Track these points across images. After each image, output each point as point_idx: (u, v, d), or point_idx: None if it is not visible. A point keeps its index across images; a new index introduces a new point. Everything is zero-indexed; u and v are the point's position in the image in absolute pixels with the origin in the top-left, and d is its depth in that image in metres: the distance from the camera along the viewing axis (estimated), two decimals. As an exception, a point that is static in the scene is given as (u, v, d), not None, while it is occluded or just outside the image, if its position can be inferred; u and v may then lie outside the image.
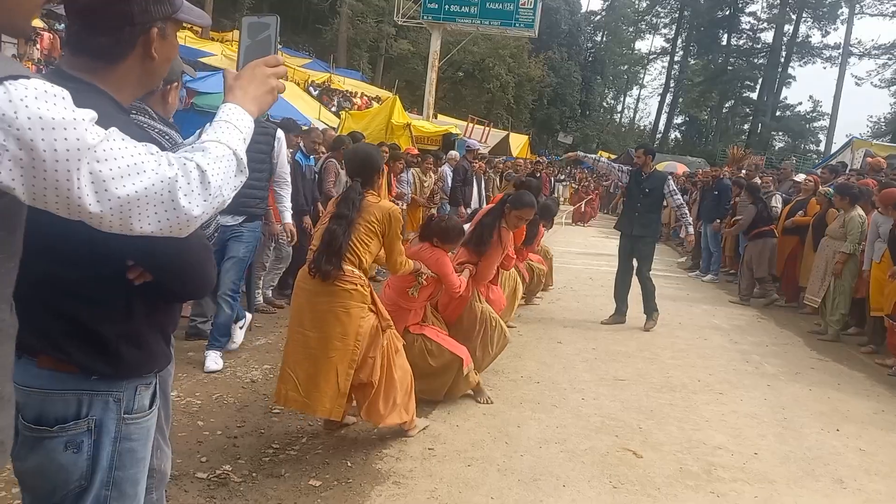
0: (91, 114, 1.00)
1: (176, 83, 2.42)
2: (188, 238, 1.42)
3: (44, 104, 0.93)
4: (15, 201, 0.99)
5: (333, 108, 19.07)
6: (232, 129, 1.23)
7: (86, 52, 1.27)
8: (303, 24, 35.66)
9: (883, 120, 44.63)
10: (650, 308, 6.92)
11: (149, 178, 1.05)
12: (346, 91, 24.13)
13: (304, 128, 7.01)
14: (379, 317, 3.36)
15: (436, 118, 22.32)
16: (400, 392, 3.40)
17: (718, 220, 10.50)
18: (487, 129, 21.84)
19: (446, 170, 9.96)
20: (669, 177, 7.02)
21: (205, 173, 1.12)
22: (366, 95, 24.50)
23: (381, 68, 36.39)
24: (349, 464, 3.29)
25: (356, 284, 3.23)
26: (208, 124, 1.27)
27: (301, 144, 6.29)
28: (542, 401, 4.41)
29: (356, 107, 20.74)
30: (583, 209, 20.04)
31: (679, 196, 6.94)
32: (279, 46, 1.47)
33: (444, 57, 25.41)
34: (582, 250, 13.49)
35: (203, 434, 3.46)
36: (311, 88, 21.06)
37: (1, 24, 1.02)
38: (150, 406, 1.49)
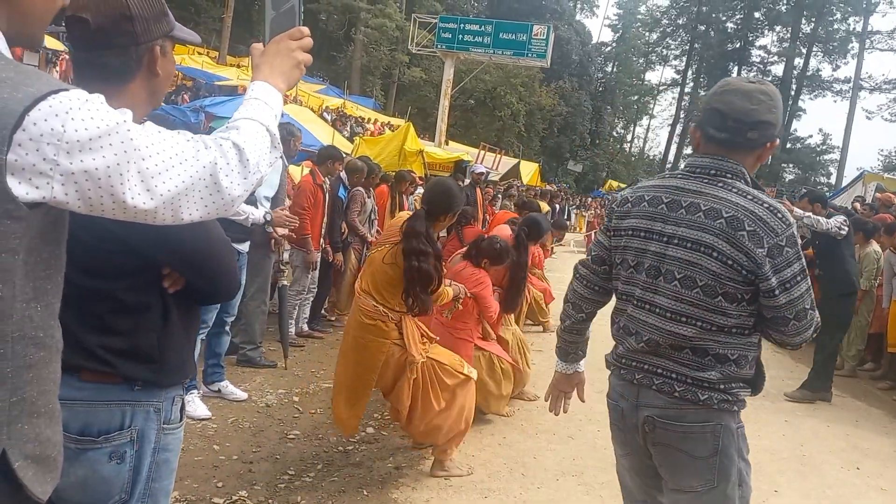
0: (129, 113, 1.02)
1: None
2: (216, 239, 1.45)
3: (87, 114, 0.94)
4: (62, 215, 1.00)
5: (346, 134, 19.29)
6: (262, 105, 1.23)
7: (97, 75, 1.30)
8: (317, 51, 36.17)
9: (894, 153, 44.60)
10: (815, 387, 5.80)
11: (192, 166, 1.05)
12: (359, 117, 24.41)
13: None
14: (409, 354, 3.24)
15: (447, 145, 22.49)
16: (444, 420, 3.33)
17: None
18: (499, 156, 21.95)
19: None
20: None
21: (242, 151, 1.12)
22: (379, 122, 24.78)
23: (393, 95, 36.84)
24: (365, 492, 3.26)
25: (376, 320, 3.21)
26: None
27: (343, 175, 6.20)
28: (558, 431, 4.37)
29: (369, 133, 20.96)
30: (593, 238, 20.02)
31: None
32: (302, 17, 1.43)
33: (456, 85, 25.74)
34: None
35: (219, 459, 3.44)
36: (325, 114, 21.32)
37: (15, 33, 1.02)
38: (181, 418, 1.51)
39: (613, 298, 2.04)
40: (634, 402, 1.86)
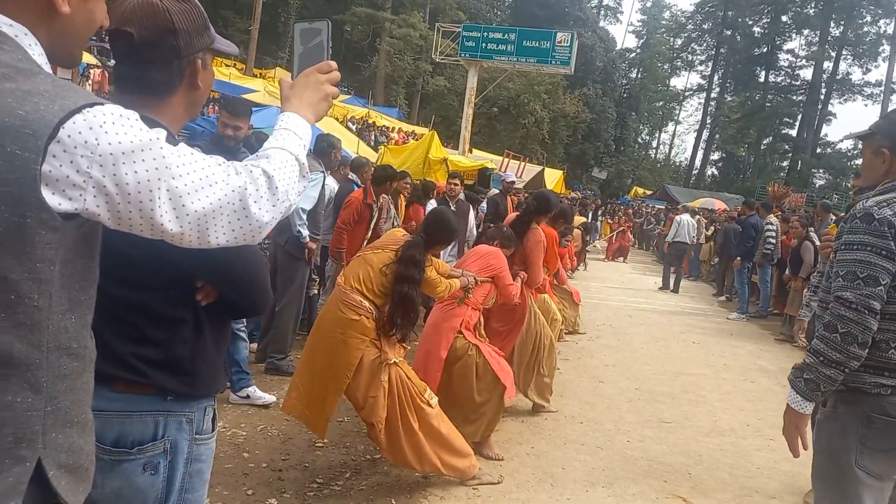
0: (163, 132, 1.03)
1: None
2: (250, 253, 1.45)
3: (121, 128, 0.95)
4: (95, 227, 1.02)
5: (372, 143, 19.44)
6: (292, 135, 1.24)
7: (139, 88, 1.31)
8: (342, 61, 36.45)
9: (927, 158, 43.55)
10: None
11: (221, 189, 1.06)
12: (384, 127, 24.56)
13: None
14: (382, 352, 3.21)
15: (471, 153, 22.52)
16: (429, 442, 3.24)
17: (739, 258, 10.53)
18: (523, 163, 21.92)
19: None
20: None
21: (272, 179, 1.13)
22: (402, 131, 24.91)
23: (417, 104, 37.02)
24: (394, 501, 3.25)
25: (360, 316, 3.18)
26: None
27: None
28: (587, 442, 4.32)
29: (394, 142, 21.09)
30: (614, 240, 19.83)
31: None
32: (331, 51, 1.46)
33: (480, 93, 25.77)
34: (618, 286, 13.33)
35: (248, 466, 3.46)
36: (349, 124, 21.49)
37: (57, 53, 1.04)
38: (213, 428, 1.51)
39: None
40: None
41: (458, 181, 7.60)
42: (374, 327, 3.20)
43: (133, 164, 0.95)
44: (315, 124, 1.39)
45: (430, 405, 3.26)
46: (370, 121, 24.11)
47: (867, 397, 1.94)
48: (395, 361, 3.22)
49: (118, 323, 1.35)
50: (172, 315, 1.39)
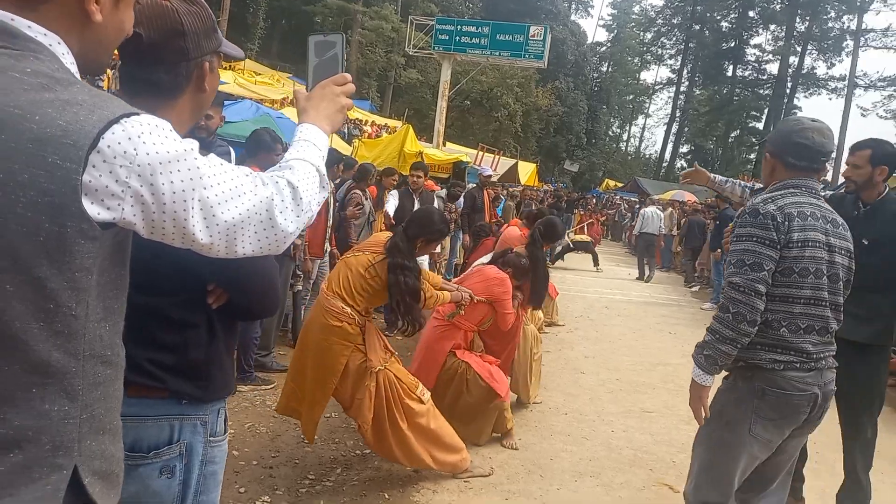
0: (195, 143, 1.03)
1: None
2: (262, 257, 1.46)
3: (158, 139, 0.95)
4: (128, 236, 1.02)
5: (344, 136, 19.28)
6: (311, 146, 1.26)
7: (146, 90, 1.30)
8: (313, 53, 36.18)
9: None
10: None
11: (249, 200, 1.06)
12: (356, 119, 24.39)
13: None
14: (367, 359, 3.22)
15: (445, 146, 22.51)
16: (418, 439, 3.26)
17: (719, 250, 10.73)
18: (497, 157, 21.98)
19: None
20: None
21: (296, 189, 1.14)
22: (375, 124, 24.77)
23: (389, 97, 36.82)
24: (386, 496, 3.27)
25: (342, 322, 3.18)
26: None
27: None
28: (572, 433, 4.38)
29: (367, 135, 20.96)
30: (584, 232, 20.06)
31: None
32: (346, 63, 1.47)
33: (453, 87, 25.72)
34: (593, 277, 13.49)
35: (239, 464, 3.45)
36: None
37: (87, 61, 1.03)
38: (225, 430, 1.52)
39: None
40: (822, 383, 2.22)
41: (421, 173, 7.41)
42: (357, 332, 3.20)
43: (170, 174, 0.96)
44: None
45: (421, 401, 3.29)
46: (343, 114, 23.91)
47: (763, 372, 2.20)
48: (380, 368, 3.22)
49: (132, 328, 1.34)
50: (186, 319, 1.39)
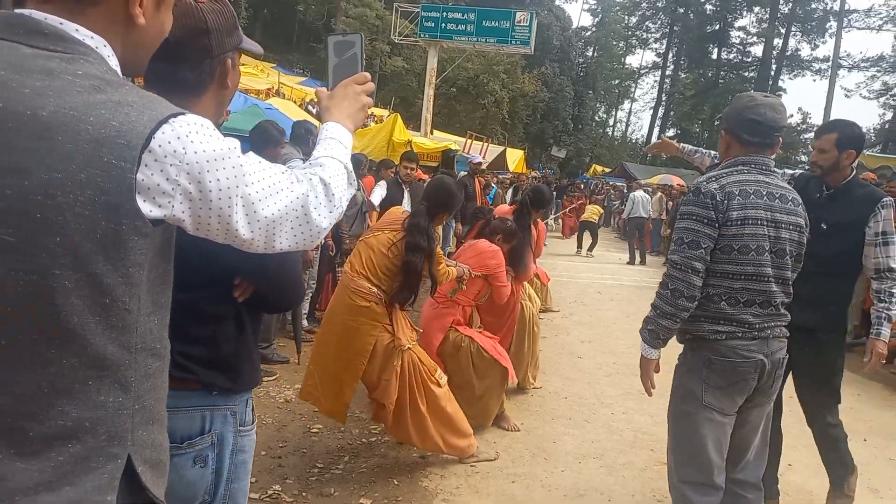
0: (237, 142, 1.06)
1: None
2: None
3: (204, 138, 0.98)
4: (173, 233, 1.05)
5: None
6: (337, 144, 1.29)
7: (171, 87, 1.31)
8: (296, 43, 35.91)
9: (872, 130, 45.17)
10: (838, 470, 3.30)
11: (287, 197, 1.09)
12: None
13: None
14: (396, 338, 3.25)
15: (432, 134, 22.46)
16: (434, 423, 3.31)
17: None
18: (486, 144, 21.98)
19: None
20: (890, 203, 3.00)
21: (328, 186, 1.17)
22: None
23: (375, 85, 36.60)
24: (395, 482, 3.32)
25: (370, 302, 3.22)
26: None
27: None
28: (574, 416, 4.45)
29: (354, 124, 20.83)
30: (568, 216, 20.18)
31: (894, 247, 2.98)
32: (364, 62, 1.50)
33: (439, 74, 25.60)
34: (585, 262, 13.59)
35: (247, 455, 3.48)
36: (309, 107, 21.18)
37: (128, 63, 1.06)
38: (253, 419, 1.55)
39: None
40: (768, 351, 2.30)
41: (413, 164, 7.21)
42: (384, 312, 3.23)
43: (216, 171, 0.98)
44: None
45: (439, 385, 3.33)
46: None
47: (707, 343, 2.28)
48: (409, 347, 3.26)
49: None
50: (215, 313, 1.42)
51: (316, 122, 14.85)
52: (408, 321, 3.41)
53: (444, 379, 3.41)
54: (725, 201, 2.21)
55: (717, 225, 2.21)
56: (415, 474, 3.41)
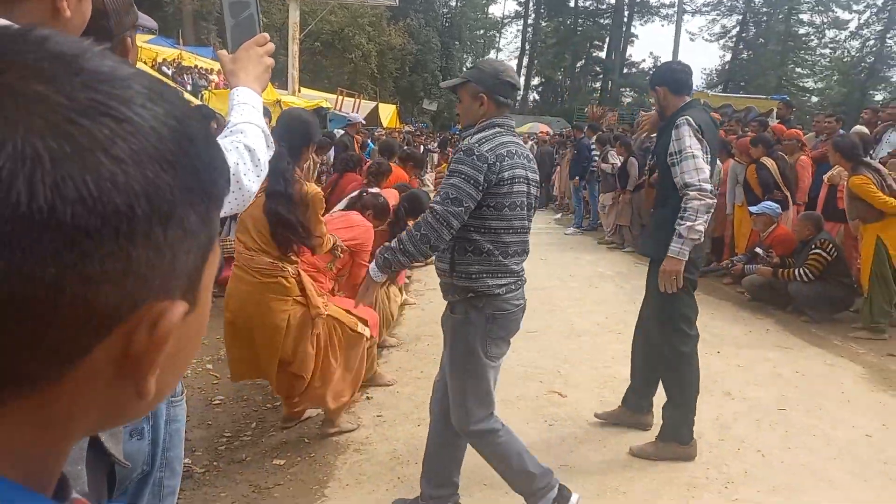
0: None
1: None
2: None
3: None
4: None
5: (189, 88, 18.12)
6: (251, 109, 1.34)
7: None
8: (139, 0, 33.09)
9: (714, 72, 49.01)
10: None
11: None
12: (201, 68, 22.87)
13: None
14: (312, 307, 3.16)
15: (300, 92, 21.79)
16: (339, 383, 3.34)
17: (577, 178, 11.45)
18: (358, 100, 21.69)
19: None
20: (684, 122, 3.13)
21: (253, 152, 1.23)
22: (222, 73, 23.35)
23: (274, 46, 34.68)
24: (306, 440, 3.42)
25: (276, 277, 3.08)
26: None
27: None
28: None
29: (214, 85, 19.78)
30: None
31: (691, 161, 3.08)
32: (262, 22, 1.53)
33: (302, 29, 24.72)
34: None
35: (150, 434, 3.43)
36: (163, 68, 19.78)
37: None
38: (182, 389, 1.61)
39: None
40: (524, 296, 2.58)
41: None
42: (294, 284, 3.12)
43: None
44: None
45: (361, 334, 3.36)
46: (184, 63, 22.32)
47: (490, 299, 2.45)
48: (326, 314, 3.21)
49: None
50: None
51: (172, 86, 13.99)
52: (315, 285, 3.29)
53: (367, 331, 3.40)
54: (497, 163, 2.37)
55: (482, 188, 2.35)
56: (325, 430, 3.52)
